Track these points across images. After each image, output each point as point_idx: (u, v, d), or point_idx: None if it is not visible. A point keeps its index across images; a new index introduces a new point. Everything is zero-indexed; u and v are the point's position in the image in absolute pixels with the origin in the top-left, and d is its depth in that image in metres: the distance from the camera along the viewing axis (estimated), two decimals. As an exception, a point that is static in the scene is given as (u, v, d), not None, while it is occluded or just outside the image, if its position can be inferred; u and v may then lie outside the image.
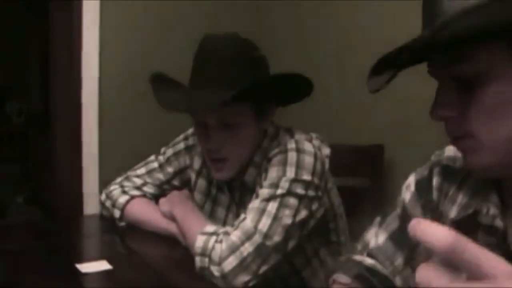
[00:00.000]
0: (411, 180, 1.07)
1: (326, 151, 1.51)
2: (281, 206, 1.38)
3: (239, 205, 1.59)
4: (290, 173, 1.40)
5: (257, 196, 1.42)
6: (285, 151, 1.44)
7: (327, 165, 1.49)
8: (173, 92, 1.49)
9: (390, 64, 0.81)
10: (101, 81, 2.90)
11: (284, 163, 1.42)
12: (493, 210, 0.88)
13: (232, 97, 1.34)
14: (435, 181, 1.02)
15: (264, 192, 1.41)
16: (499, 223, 0.86)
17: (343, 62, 2.62)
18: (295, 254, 1.51)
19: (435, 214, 1.00)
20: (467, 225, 0.92)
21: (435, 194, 1.01)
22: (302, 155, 1.43)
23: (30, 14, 4.70)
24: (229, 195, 1.62)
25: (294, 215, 1.39)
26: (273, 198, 1.39)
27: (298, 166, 1.41)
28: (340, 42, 2.65)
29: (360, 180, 2.33)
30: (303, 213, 1.40)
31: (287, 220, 1.37)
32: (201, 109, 1.47)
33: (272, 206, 1.38)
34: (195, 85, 1.47)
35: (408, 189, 1.07)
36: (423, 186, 1.04)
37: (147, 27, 3.01)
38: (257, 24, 2.94)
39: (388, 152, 2.35)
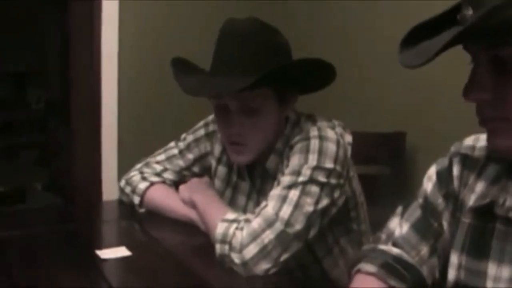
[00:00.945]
0: (432, 170, 1.08)
1: (349, 138, 1.50)
2: (303, 193, 1.37)
3: (259, 192, 1.57)
4: (312, 160, 1.39)
5: (278, 184, 1.40)
6: (308, 138, 1.42)
7: (349, 153, 1.47)
8: (195, 76, 1.49)
9: (427, 36, 0.80)
10: (120, 68, 2.91)
11: (306, 151, 1.41)
12: (509, 202, 0.88)
13: (255, 81, 1.33)
14: (455, 170, 1.02)
15: (285, 179, 1.39)
16: None
17: (364, 49, 2.60)
18: (316, 242, 1.50)
19: (456, 203, 1.01)
20: (485, 214, 0.93)
21: (455, 183, 1.02)
22: (324, 142, 1.41)
23: (51, 1, 4.73)
24: (249, 182, 1.61)
25: (316, 203, 1.37)
26: (294, 186, 1.37)
27: (321, 153, 1.40)
28: (360, 28, 2.63)
29: (381, 168, 2.32)
30: (324, 201, 1.39)
31: (309, 208, 1.36)
32: (223, 93, 1.45)
33: (294, 194, 1.36)
34: (217, 70, 1.45)
35: (429, 180, 1.07)
36: (444, 176, 1.04)
37: (167, 14, 3.02)
38: (276, 12, 2.93)
39: (410, 140, 2.34)
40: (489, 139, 0.85)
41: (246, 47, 1.42)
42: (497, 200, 0.90)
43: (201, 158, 1.75)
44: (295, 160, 1.41)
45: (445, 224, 1.02)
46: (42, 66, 5.22)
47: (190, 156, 1.74)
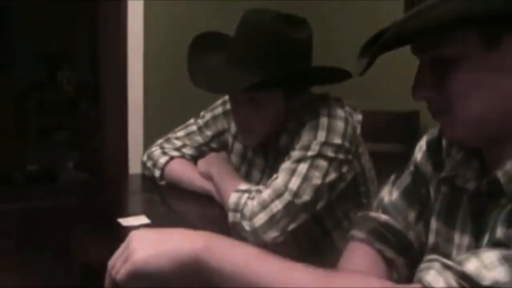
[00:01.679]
0: (423, 141, 1.12)
1: (358, 117, 1.56)
2: (311, 167, 1.44)
3: (273, 168, 1.63)
4: (321, 137, 1.46)
5: (289, 158, 1.48)
6: (317, 117, 1.49)
7: (358, 130, 1.54)
8: (206, 66, 1.57)
9: (375, 47, 0.88)
10: (145, 48, 2.97)
11: (315, 128, 1.47)
12: (469, 174, 0.94)
13: (256, 85, 1.41)
14: (444, 142, 1.07)
15: (295, 154, 1.47)
16: (471, 186, 0.93)
17: (377, 27, 2.63)
18: (325, 215, 1.57)
19: (443, 171, 1.04)
20: (449, 185, 1.00)
21: (444, 154, 1.06)
22: (333, 120, 1.48)
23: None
24: (263, 159, 1.69)
25: (324, 177, 1.44)
26: (303, 160, 1.45)
27: (329, 130, 1.46)
28: (378, 5, 2.66)
29: (395, 146, 2.36)
30: (332, 175, 1.46)
31: (317, 181, 1.43)
32: (224, 92, 1.59)
33: (302, 167, 1.44)
34: (230, 60, 1.52)
35: (420, 149, 1.12)
36: (433, 146, 1.09)
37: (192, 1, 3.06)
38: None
39: (423, 118, 2.38)
40: (442, 133, 0.94)
41: (261, 44, 1.47)
42: (460, 172, 0.96)
43: (218, 135, 1.83)
44: (305, 137, 1.48)
45: (431, 191, 1.07)
46: (73, 48, 5.31)
47: (208, 132, 1.83)
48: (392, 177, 1.17)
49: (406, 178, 1.13)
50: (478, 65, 0.84)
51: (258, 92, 1.49)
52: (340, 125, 1.48)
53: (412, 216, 1.09)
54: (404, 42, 0.91)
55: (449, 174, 0.99)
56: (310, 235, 1.59)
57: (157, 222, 1.49)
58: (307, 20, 1.55)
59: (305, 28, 1.53)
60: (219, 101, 1.83)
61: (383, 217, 1.12)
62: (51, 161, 4.92)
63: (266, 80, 1.43)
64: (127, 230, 1.43)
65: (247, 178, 1.71)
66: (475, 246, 0.90)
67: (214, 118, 1.83)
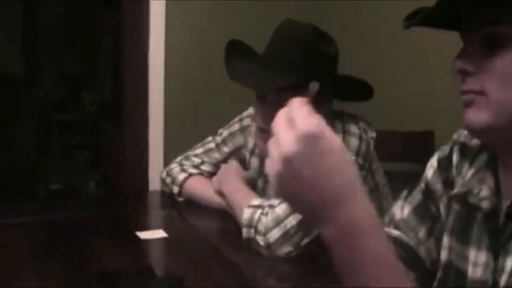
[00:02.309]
0: (435, 157, 1.12)
1: (372, 133, 1.59)
2: None
3: None
4: None
5: None
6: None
7: (372, 147, 1.57)
8: (244, 64, 1.61)
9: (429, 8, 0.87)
10: (166, 70, 3.02)
11: None
12: (484, 192, 0.93)
13: (284, 84, 1.46)
14: (455, 158, 1.06)
15: None
16: (485, 204, 0.92)
17: (392, 47, 2.65)
18: None
19: (452, 190, 1.04)
20: (463, 202, 0.99)
21: (454, 172, 1.06)
22: (347, 136, 1.52)
23: (104, 7, 4.89)
24: None
25: None
26: None
27: None
28: (386, 26, 2.69)
29: (410, 166, 2.37)
30: None
31: None
32: (260, 86, 1.58)
33: None
34: (266, 61, 1.57)
35: (431, 166, 1.11)
36: (444, 163, 1.08)
37: (212, 14, 3.10)
38: (311, 12, 3.01)
39: (438, 139, 2.39)
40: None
41: (294, 50, 1.54)
42: (473, 189, 0.96)
43: (235, 151, 1.87)
44: None
45: (442, 208, 1.07)
46: (96, 69, 5.39)
47: (226, 149, 1.87)
48: (404, 193, 1.17)
49: (417, 194, 1.13)
50: None
51: (288, 94, 1.50)
52: (354, 141, 1.51)
53: (423, 232, 1.09)
54: (459, 14, 0.88)
55: (461, 191, 0.99)
56: (322, 249, 1.60)
57: (174, 236, 1.54)
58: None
59: (334, 44, 1.60)
60: (236, 118, 1.89)
61: (395, 232, 1.12)
62: (74, 180, 4.97)
63: (300, 80, 1.48)
64: (144, 243, 1.49)
65: (263, 192, 1.73)
66: (493, 263, 0.91)
67: (231, 134, 1.87)
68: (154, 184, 2.94)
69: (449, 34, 0.96)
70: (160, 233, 1.55)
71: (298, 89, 1.51)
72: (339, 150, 0.74)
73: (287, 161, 0.71)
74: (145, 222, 1.79)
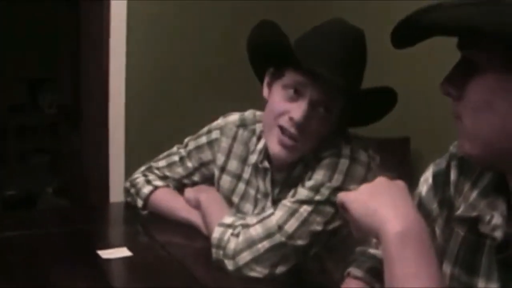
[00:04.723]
0: (429, 172, 1.05)
1: (378, 161, 1.47)
2: (315, 211, 1.35)
3: (275, 201, 1.51)
4: (337, 181, 1.36)
5: (294, 195, 1.39)
6: (338, 156, 1.39)
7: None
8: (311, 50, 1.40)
9: (411, 29, 0.84)
10: (127, 74, 2.95)
11: (333, 169, 1.37)
12: (496, 219, 0.87)
13: (351, 86, 1.35)
14: (453, 175, 1.00)
15: (302, 192, 1.37)
16: (498, 234, 0.86)
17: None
18: (326, 256, 1.48)
19: (451, 211, 0.99)
20: (469, 228, 0.92)
21: (452, 190, 1.00)
22: (354, 164, 1.39)
23: (61, 7, 4.78)
24: (269, 189, 1.55)
25: (326, 223, 1.36)
26: (308, 202, 1.36)
27: (347, 175, 1.37)
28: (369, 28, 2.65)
29: (385, 175, 2.33)
30: (336, 223, 1.37)
31: (317, 227, 1.35)
32: (331, 80, 1.36)
33: (305, 210, 1.35)
34: (323, 60, 1.38)
35: (425, 182, 1.05)
36: (440, 180, 1.02)
37: (175, 14, 3.05)
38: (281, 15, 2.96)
39: (414, 145, 2.34)
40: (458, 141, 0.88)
41: (354, 52, 1.41)
42: (484, 216, 0.89)
43: (201, 167, 1.73)
44: (319, 176, 1.38)
45: (437, 231, 1.01)
46: (53, 71, 5.27)
47: (190, 164, 1.74)
48: None
49: None
50: (497, 81, 0.78)
51: (330, 102, 1.37)
52: (360, 171, 1.39)
53: None
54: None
55: (467, 215, 0.93)
56: (308, 272, 1.51)
57: (139, 254, 1.44)
58: None
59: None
60: (205, 129, 1.74)
61: None
62: (30, 186, 4.83)
63: (362, 92, 1.37)
64: (106, 263, 1.38)
65: (238, 211, 1.61)
66: None
67: (198, 148, 1.73)
68: (116, 193, 2.85)
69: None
70: (123, 252, 1.44)
71: (339, 98, 1.39)
72: None
73: None
74: (107, 239, 1.68)
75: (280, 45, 1.38)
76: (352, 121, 1.49)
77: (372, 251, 1.11)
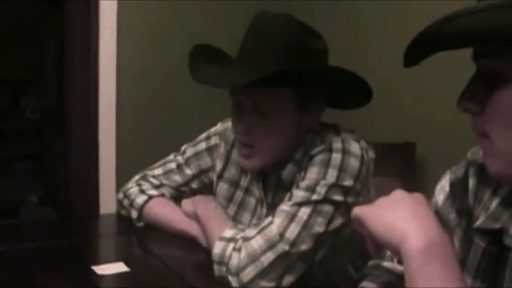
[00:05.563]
0: (446, 180, 1.04)
1: (371, 154, 1.46)
2: (314, 212, 1.33)
3: (270, 206, 1.53)
4: (331, 177, 1.35)
5: (290, 198, 1.37)
6: (330, 151, 1.38)
7: (371, 170, 1.45)
8: (211, 66, 1.45)
9: (423, 45, 0.79)
10: (118, 78, 2.91)
11: (326, 165, 1.36)
12: None
13: (257, 78, 1.29)
14: (471, 183, 0.98)
15: (298, 194, 1.36)
16: None
17: (371, 55, 2.60)
18: (329, 260, 1.47)
19: (470, 221, 0.97)
20: (491, 239, 0.90)
21: (470, 198, 0.98)
22: (347, 157, 1.37)
23: (47, 8, 4.74)
24: (262, 194, 1.56)
25: (328, 223, 1.34)
26: (306, 204, 1.34)
27: (341, 169, 1.36)
28: (366, 34, 2.63)
29: (390, 180, 2.31)
30: (338, 221, 1.36)
31: (319, 229, 1.33)
32: (226, 85, 1.44)
33: (304, 212, 1.33)
34: (238, 61, 1.44)
35: (442, 191, 1.04)
36: (458, 188, 1.00)
37: (166, 17, 3.02)
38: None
39: (420, 150, 2.33)
40: (483, 159, 0.83)
41: (270, 43, 1.38)
42: (508, 228, 0.86)
43: (200, 174, 1.72)
44: (312, 174, 1.37)
45: (456, 242, 0.99)
46: (37, 74, 5.23)
47: (189, 171, 1.73)
48: None
49: None
50: None
51: (265, 98, 1.40)
52: (354, 163, 1.37)
53: None
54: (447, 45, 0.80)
55: (489, 227, 0.90)
56: (311, 280, 1.49)
57: (136, 269, 1.40)
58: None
59: (321, 38, 1.46)
60: (203, 135, 1.74)
61: (400, 268, 1.05)
62: (13, 195, 4.78)
63: (268, 74, 1.30)
64: (102, 280, 1.34)
65: (235, 221, 1.60)
66: None
67: (196, 155, 1.72)
68: (106, 201, 2.81)
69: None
70: (120, 267, 1.40)
71: (276, 92, 1.39)
72: None
73: None
74: (101, 254, 1.65)
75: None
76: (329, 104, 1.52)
77: (386, 264, 1.09)
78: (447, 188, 1.03)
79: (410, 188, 2.32)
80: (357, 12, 2.70)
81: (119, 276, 1.36)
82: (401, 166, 2.30)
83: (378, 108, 2.58)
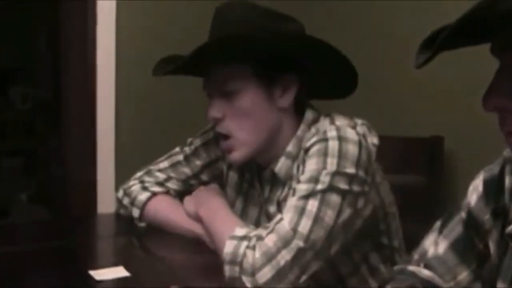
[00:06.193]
0: (479, 180, 1.04)
1: (374, 139, 1.47)
2: (322, 204, 1.35)
3: (267, 201, 1.58)
4: (331, 165, 1.38)
5: (294, 193, 1.39)
6: (325, 140, 1.41)
7: (374, 155, 1.46)
8: (166, 63, 1.61)
9: (445, 39, 0.77)
10: (117, 67, 2.92)
11: (324, 154, 1.40)
12: None
13: (198, 49, 1.41)
14: (508, 181, 0.98)
15: (302, 187, 1.38)
16: None
17: (398, 48, 2.60)
18: (341, 260, 1.50)
19: (506, 221, 0.97)
20: None
21: (506, 198, 0.98)
22: (344, 144, 1.40)
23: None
24: (259, 189, 1.62)
25: (338, 215, 1.36)
26: (312, 195, 1.36)
27: (340, 157, 1.39)
28: (395, 26, 2.64)
29: (416, 178, 2.31)
30: (347, 212, 1.37)
31: (330, 221, 1.35)
32: (176, 70, 1.57)
33: (313, 205, 1.35)
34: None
35: (475, 191, 1.04)
36: (493, 188, 1.00)
37: (166, 11, 3.05)
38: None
39: (448, 145, 2.33)
40: None
41: (227, 30, 1.47)
42: None
43: (210, 164, 1.76)
44: (312, 165, 1.40)
45: (492, 246, 0.99)
46: (28, 61, 5.25)
47: (198, 162, 1.75)
48: (438, 223, 1.10)
49: (456, 226, 1.05)
50: None
51: (228, 79, 1.49)
52: (352, 149, 1.40)
53: (464, 275, 1.02)
54: (481, 34, 0.79)
55: None
56: (323, 283, 1.50)
57: (137, 274, 1.40)
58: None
59: (295, 21, 1.52)
60: (210, 125, 1.74)
61: (426, 273, 1.06)
62: (2, 192, 4.81)
63: (213, 43, 1.45)
64: (101, 285, 1.34)
65: (244, 215, 1.64)
66: None
67: (205, 144, 1.75)
68: (104, 199, 2.82)
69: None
70: (120, 272, 1.40)
71: (233, 70, 1.48)
72: None
73: None
74: (99, 257, 1.66)
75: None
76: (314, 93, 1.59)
77: (411, 268, 1.10)
78: (480, 187, 1.03)
79: (437, 185, 2.32)
80: (391, 4, 2.72)
81: (118, 281, 1.37)
82: (427, 163, 2.31)
83: (403, 99, 2.59)
